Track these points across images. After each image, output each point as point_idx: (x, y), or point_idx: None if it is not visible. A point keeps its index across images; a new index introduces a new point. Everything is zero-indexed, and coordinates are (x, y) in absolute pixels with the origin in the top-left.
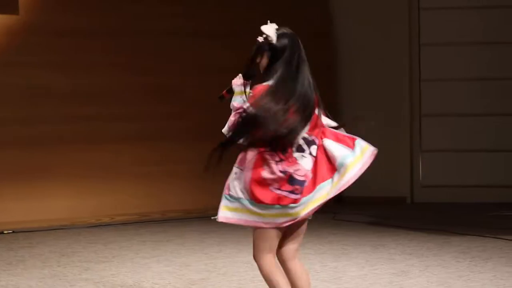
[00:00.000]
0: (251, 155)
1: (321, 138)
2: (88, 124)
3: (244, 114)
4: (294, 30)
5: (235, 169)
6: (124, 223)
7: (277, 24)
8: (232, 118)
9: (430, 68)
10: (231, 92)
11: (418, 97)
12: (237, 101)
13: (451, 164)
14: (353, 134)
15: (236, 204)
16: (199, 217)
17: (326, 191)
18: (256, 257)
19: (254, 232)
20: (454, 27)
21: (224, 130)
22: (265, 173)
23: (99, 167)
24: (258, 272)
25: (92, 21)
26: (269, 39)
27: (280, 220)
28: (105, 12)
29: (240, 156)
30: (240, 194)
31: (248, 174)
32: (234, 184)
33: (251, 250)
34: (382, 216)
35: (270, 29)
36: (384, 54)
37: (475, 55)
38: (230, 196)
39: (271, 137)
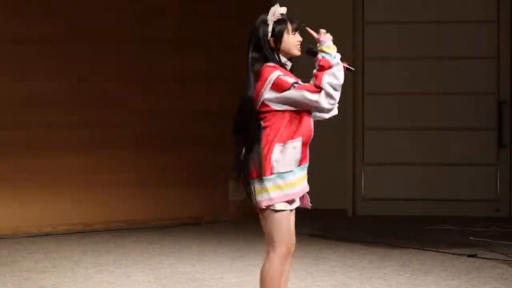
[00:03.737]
0: None
1: None
2: (30, 132)
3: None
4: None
5: None
6: (67, 233)
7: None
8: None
9: (373, 81)
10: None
11: (361, 110)
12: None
13: (393, 177)
14: None
15: None
16: (141, 227)
17: None
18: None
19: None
20: (398, 41)
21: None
22: None
23: (41, 176)
24: (199, 283)
25: (33, 28)
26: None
27: None
28: (45, 19)
29: None
30: None
31: None
32: None
33: (193, 261)
34: (323, 228)
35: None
36: None
37: (419, 69)
38: None
39: None
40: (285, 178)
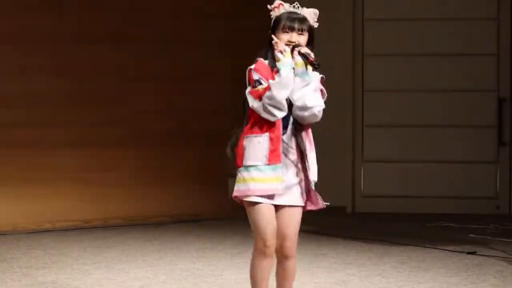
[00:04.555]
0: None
1: None
2: (30, 130)
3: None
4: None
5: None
6: (65, 230)
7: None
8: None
9: (373, 78)
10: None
11: (361, 107)
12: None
13: (392, 174)
14: None
15: None
16: (140, 224)
17: None
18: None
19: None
20: (398, 39)
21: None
22: None
23: (41, 173)
24: (198, 280)
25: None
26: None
27: None
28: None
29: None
30: None
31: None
32: None
33: (192, 258)
34: (322, 225)
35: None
36: (327, 64)
37: (418, 67)
38: None
39: None
40: (250, 172)
